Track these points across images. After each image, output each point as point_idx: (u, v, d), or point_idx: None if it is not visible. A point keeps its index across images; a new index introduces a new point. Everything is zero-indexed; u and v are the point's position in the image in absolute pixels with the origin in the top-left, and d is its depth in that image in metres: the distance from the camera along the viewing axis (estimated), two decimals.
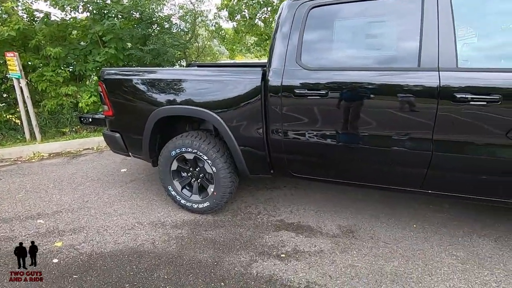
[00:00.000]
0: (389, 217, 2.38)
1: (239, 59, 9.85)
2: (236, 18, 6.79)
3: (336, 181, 2.10)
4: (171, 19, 6.96)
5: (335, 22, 1.88)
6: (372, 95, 1.76)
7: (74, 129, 5.60)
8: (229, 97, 2.12)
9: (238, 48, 8.13)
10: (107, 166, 3.83)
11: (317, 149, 2.01)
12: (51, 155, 4.43)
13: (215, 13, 7.75)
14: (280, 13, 2.04)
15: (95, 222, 2.48)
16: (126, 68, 3.00)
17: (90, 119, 2.98)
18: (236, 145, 2.19)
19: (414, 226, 2.26)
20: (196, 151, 2.32)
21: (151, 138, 2.48)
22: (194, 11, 8.17)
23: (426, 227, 2.23)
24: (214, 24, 7.81)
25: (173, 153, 2.42)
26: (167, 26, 7.19)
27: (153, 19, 6.17)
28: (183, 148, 2.36)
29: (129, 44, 6.21)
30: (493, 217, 2.30)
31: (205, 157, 2.31)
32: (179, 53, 6.69)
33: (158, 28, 6.60)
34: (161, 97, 2.33)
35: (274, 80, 1.97)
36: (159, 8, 7.22)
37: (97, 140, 4.84)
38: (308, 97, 1.89)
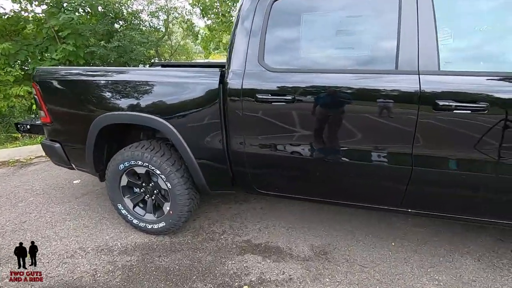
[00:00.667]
0: (366, 234, 2.17)
1: (216, 59, 9.49)
2: (209, 15, 6.46)
3: (305, 199, 1.85)
4: (140, 15, 6.52)
5: (303, 17, 1.62)
6: (343, 102, 1.52)
7: (28, 134, 5.06)
8: (183, 103, 1.82)
9: (212, 47, 7.78)
10: (58, 177, 3.39)
11: (283, 163, 1.75)
12: None
13: (186, 9, 7.36)
14: (241, 4, 1.76)
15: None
16: (63, 67, 2.61)
17: (28, 126, 2.57)
18: (193, 157, 1.89)
19: (393, 244, 2.05)
20: (147, 164, 2.00)
21: (95, 149, 2.12)
22: (166, 8, 7.75)
23: (406, 245, 2.03)
24: (185, 21, 7.43)
25: (122, 166, 2.08)
26: (136, 22, 6.74)
27: (119, 14, 5.71)
28: (133, 161, 2.03)
29: (93, 41, 5.73)
30: (473, 230, 2.14)
31: (158, 172, 1.99)
32: (148, 51, 6.27)
33: (125, 24, 6.15)
34: (104, 102, 1.99)
35: (233, 83, 1.69)
36: (128, 3, 6.77)
37: None
38: (272, 103, 1.63)
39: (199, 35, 7.60)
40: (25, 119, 5.12)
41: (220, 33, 7.96)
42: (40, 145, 4.44)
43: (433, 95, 1.38)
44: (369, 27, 1.55)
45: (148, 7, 6.93)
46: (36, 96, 2.22)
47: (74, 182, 3.24)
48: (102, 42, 5.72)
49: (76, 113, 2.11)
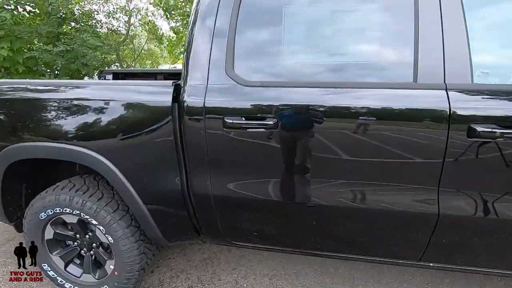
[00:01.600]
0: (366, 279, 1.77)
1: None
2: (174, 17, 5.88)
3: (298, 252, 1.41)
4: (97, 15, 5.80)
5: (285, 11, 1.18)
6: (345, 126, 1.10)
7: None
8: (124, 129, 1.31)
9: (178, 51, 7.19)
10: None
11: (265, 209, 1.30)
12: None
13: (146, 9, 6.72)
14: None
15: None
16: None
17: None
18: (140, 203, 1.38)
19: None
20: (78, 212, 1.45)
21: (4, 192, 1.54)
22: (127, 8, 7.04)
23: None
24: (148, 22, 6.78)
25: (43, 215, 1.51)
26: (92, 23, 5.99)
27: (67, 14, 4.97)
28: (58, 209, 1.48)
29: (39, 44, 4.94)
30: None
31: (95, 222, 1.45)
32: (105, 56, 5.57)
33: (77, 26, 5.41)
34: (11, 129, 1.42)
35: (192, 102, 1.21)
36: (81, 3, 6.01)
37: None
38: (248, 129, 1.17)
39: (163, 38, 6.97)
40: None
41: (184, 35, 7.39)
42: None
43: (467, 118, 1.01)
44: (375, 26, 1.15)
45: (104, 6, 6.22)
46: None
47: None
48: (49, 46, 4.95)
49: None
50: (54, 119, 1.34)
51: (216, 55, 1.21)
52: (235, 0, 1.20)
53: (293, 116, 1.13)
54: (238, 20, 1.21)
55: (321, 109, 1.09)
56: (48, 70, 4.90)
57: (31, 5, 4.77)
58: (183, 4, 5.35)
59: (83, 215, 1.46)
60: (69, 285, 1.64)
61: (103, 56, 5.56)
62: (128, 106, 1.29)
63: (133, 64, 7.75)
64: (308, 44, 1.23)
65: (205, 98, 1.19)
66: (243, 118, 1.16)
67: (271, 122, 1.13)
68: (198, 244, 2.17)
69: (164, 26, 7.18)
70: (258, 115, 1.16)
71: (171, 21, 5.92)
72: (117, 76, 3.06)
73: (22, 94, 1.41)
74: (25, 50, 4.46)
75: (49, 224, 1.56)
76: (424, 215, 1.13)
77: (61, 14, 4.85)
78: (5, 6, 4.19)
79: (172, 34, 7.04)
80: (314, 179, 1.18)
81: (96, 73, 5.80)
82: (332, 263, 1.90)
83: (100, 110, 1.32)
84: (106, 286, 1.58)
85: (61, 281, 1.64)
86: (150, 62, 8.21)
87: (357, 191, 1.17)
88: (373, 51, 1.15)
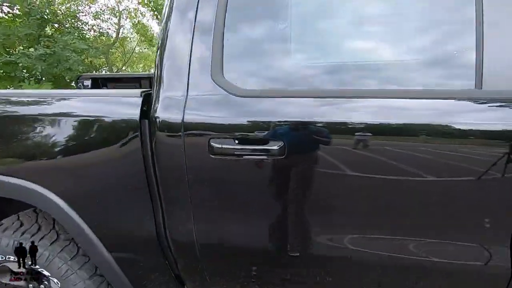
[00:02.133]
0: None
1: None
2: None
3: None
4: (81, 16, 5.46)
5: None
6: (390, 154, 0.79)
7: None
8: (80, 155, 0.99)
9: None
10: None
11: (269, 259, 0.97)
12: None
13: (136, 10, 6.39)
14: None
15: None
16: None
17: None
18: (104, 250, 1.05)
19: None
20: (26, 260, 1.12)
21: None
22: (115, 10, 6.71)
23: None
24: (137, 23, 6.44)
25: None
26: (78, 25, 5.64)
27: (49, 14, 4.62)
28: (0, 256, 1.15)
29: (21, 47, 4.59)
30: None
31: (47, 273, 1.13)
32: (89, 60, 5.22)
33: (62, 28, 5.06)
34: None
35: (166, 119, 0.89)
36: (65, 3, 5.67)
37: None
38: (241, 156, 0.85)
39: (154, 40, 6.62)
40: None
41: None
42: None
43: None
44: (421, 16, 0.83)
45: (90, 7, 5.87)
46: None
47: None
48: (31, 50, 4.60)
49: None
50: None
51: (198, 56, 0.89)
52: None
53: (307, 139, 0.81)
54: (227, 9, 0.89)
55: (350, 128, 0.78)
56: (29, 75, 4.55)
57: (10, 5, 4.42)
58: None
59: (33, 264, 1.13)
60: None
61: (89, 60, 5.21)
62: (87, 122, 0.97)
63: (123, 68, 7.41)
64: (328, 38, 0.90)
65: (183, 113, 0.87)
66: (236, 142, 0.84)
67: (275, 147, 0.81)
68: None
69: (155, 28, 6.86)
70: (258, 136, 0.84)
71: (159, 21, 5.61)
72: (96, 82, 2.72)
73: None
74: (3, 54, 4.11)
75: None
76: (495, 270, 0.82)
77: (42, 15, 4.50)
78: None
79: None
80: (338, 224, 0.86)
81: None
82: None
83: (52, 129, 0.99)
84: None
85: None
86: (142, 65, 7.86)
87: (391, 237, 0.85)
88: (415, 48, 0.83)
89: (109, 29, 6.57)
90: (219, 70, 0.88)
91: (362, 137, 0.78)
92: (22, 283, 1.25)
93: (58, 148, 0.98)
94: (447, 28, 0.81)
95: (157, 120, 0.90)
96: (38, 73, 4.27)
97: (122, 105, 0.96)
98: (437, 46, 0.81)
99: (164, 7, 1.01)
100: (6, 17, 4.34)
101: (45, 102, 1.03)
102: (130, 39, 7.58)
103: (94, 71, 5.86)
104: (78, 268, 1.13)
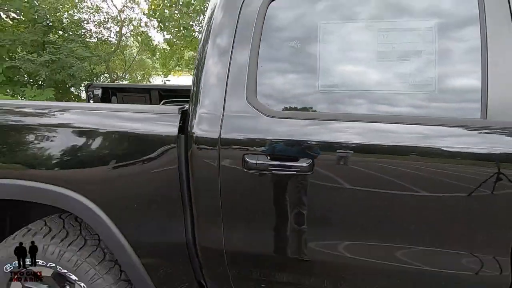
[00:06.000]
0: None
1: (176, 76, 8.65)
2: (169, 29, 5.68)
3: None
4: (85, 24, 5.54)
5: (321, 27, 0.98)
6: (405, 173, 0.89)
7: None
8: (112, 165, 1.06)
9: (173, 64, 6.98)
10: None
11: (295, 268, 1.05)
12: None
13: (141, 20, 6.51)
14: (213, 9, 1.08)
15: None
16: None
17: None
18: (133, 255, 1.11)
19: None
20: (53, 265, 1.17)
21: None
22: (118, 18, 6.82)
23: None
24: (140, 33, 6.55)
25: (8, 267, 1.22)
26: (81, 33, 5.71)
27: (55, 22, 4.68)
28: (27, 260, 1.19)
29: (23, 53, 4.62)
30: None
31: (74, 277, 1.17)
32: (94, 67, 5.28)
33: (64, 35, 5.12)
34: None
35: (203, 135, 0.98)
36: (70, 11, 5.75)
37: None
38: (273, 171, 0.94)
39: (157, 50, 6.73)
40: None
41: (182, 49, 7.20)
42: None
43: None
44: (434, 50, 0.95)
45: (94, 16, 5.97)
46: None
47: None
48: (32, 55, 4.63)
49: None
50: (33, 151, 1.08)
51: (234, 79, 0.99)
52: (257, 18, 1.00)
53: (333, 157, 0.91)
54: (261, 39, 1.00)
55: (372, 148, 0.88)
56: (31, 81, 4.57)
57: (16, 11, 4.47)
58: (179, 16, 5.17)
59: (60, 269, 1.17)
60: None
61: (92, 67, 5.27)
62: (125, 136, 1.05)
63: (123, 75, 7.47)
64: (353, 66, 1.02)
65: (220, 130, 0.96)
66: (268, 157, 0.93)
67: (304, 164, 0.91)
68: None
69: (157, 37, 6.98)
70: (289, 153, 0.93)
71: (165, 33, 5.73)
72: (106, 91, 2.80)
73: None
74: (6, 59, 4.13)
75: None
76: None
77: (47, 22, 4.57)
78: None
79: (165, 46, 6.83)
80: (356, 235, 0.95)
81: (83, 86, 5.50)
82: None
83: (90, 143, 1.06)
84: None
85: None
86: (141, 73, 7.93)
87: (412, 249, 0.94)
88: (428, 79, 0.95)
89: (112, 38, 6.66)
90: (253, 93, 0.98)
91: (374, 157, 0.89)
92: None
93: (99, 160, 1.06)
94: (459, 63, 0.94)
95: (194, 135, 0.99)
96: (42, 79, 4.30)
97: (162, 121, 1.04)
98: (447, 80, 0.93)
99: (202, 32, 1.11)
100: (11, 22, 4.39)
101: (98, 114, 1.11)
102: (130, 47, 7.68)
103: (94, 78, 5.90)
104: (105, 273, 1.18)
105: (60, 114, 1.14)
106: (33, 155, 1.09)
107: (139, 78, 8.14)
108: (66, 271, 1.17)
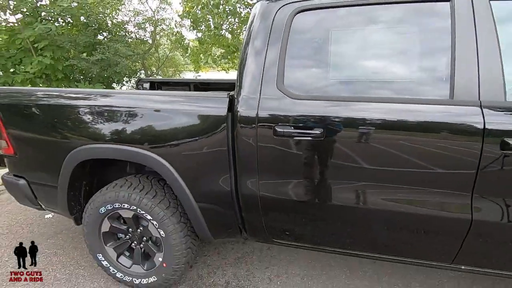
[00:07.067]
0: (394, 283, 1.86)
1: (204, 72, 9.18)
2: (200, 28, 6.18)
3: (336, 251, 1.53)
4: (126, 26, 6.16)
5: (332, 33, 1.34)
6: (384, 138, 1.23)
7: None
8: (181, 135, 1.48)
9: (203, 60, 7.50)
10: (28, 210, 2.90)
11: (309, 211, 1.42)
12: None
13: (176, 21, 7.05)
14: (253, 19, 1.46)
15: None
16: (27, 88, 2.23)
17: None
18: (193, 201, 1.53)
19: None
20: (135, 208, 1.62)
21: (70, 188, 1.73)
22: (153, 19, 7.42)
23: None
24: (175, 33, 7.11)
25: (103, 210, 1.69)
26: (122, 34, 6.36)
27: (103, 25, 5.33)
28: (117, 204, 1.65)
29: (74, 53, 5.30)
30: None
31: (149, 217, 1.62)
32: (134, 64, 5.88)
33: (109, 36, 5.76)
34: (81, 132, 1.62)
35: (245, 112, 1.37)
36: (112, 14, 6.40)
37: None
38: (295, 137, 1.32)
39: (189, 48, 7.28)
40: None
41: (210, 46, 7.69)
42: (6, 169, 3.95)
43: (501, 133, 1.11)
44: (414, 47, 1.28)
45: (135, 18, 6.59)
46: None
47: (46, 216, 2.78)
48: (83, 55, 5.30)
49: (46, 145, 1.72)
50: (126, 125, 1.53)
51: (268, 72, 1.37)
52: (285, 24, 1.37)
53: (337, 127, 1.26)
54: (287, 42, 1.37)
55: (364, 121, 1.23)
56: (82, 77, 5.23)
57: (69, 17, 5.13)
58: (210, 16, 5.63)
59: (139, 211, 1.62)
60: (120, 274, 1.80)
61: (133, 64, 5.88)
62: (188, 114, 1.46)
63: (156, 72, 8.08)
64: (352, 63, 1.37)
65: (258, 109, 1.35)
66: (292, 128, 1.31)
67: (318, 132, 1.27)
68: (234, 243, 2.31)
69: (188, 36, 7.52)
70: (306, 125, 1.30)
71: (195, 31, 6.23)
72: (153, 85, 3.29)
73: (99, 103, 1.61)
74: (64, 59, 4.80)
75: (106, 218, 1.74)
76: (458, 219, 1.23)
77: (96, 25, 5.21)
78: (49, 18, 4.57)
79: (195, 44, 7.37)
80: (355, 183, 1.30)
81: (125, 81, 6.15)
82: (361, 266, 1.99)
83: (163, 118, 1.50)
84: (154, 276, 1.74)
85: (113, 271, 1.81)
86: (172, 70, 8.55)
87: (398, 197, 1.28)
88: (410, 70, 1.28)
89: (147, 37, 7.26)
90: (281, 81, 1.35)
91: (367, 129, 1.23)
92: (124, 227, 1.76)
93: (174, 134, 1.47)
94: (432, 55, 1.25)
95: (238, 113, 1.38)
96: (93, 76, 4.95)
97: (215, 103, 1.44)
98: (424, 69, 1.25)
99: (244, 36, 1.50)
100: (67, 26, 5.05)
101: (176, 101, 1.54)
102: (163, 45, 8.29)
103: (133, 74, 6.53)
104: (171, 215, 1.62)
105: (144, 98, 1.58)
106: (134, 129, 1.53)
107: (170, 74, 8.74)
108: (144, 212, 1.62)
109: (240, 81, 1.42)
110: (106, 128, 1.57)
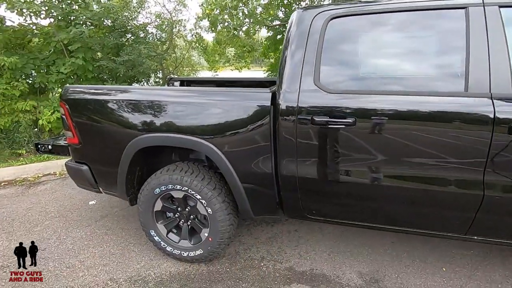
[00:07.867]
0: (412, 258, 2.07)
1: (219, 71, 9.47)
2: (217, 29, 6.45)
3: (365, 225, 1.75)
4: (148, 28, 6.47)
5: (361, 37, 1.56)
6: (409, 125, 1.45)
7: (33, 151, 4.86)
8: (230, 124, 1.72)
9: (220, 60, 7.76)
10: (72, 198, 3.22)
11: (340, 189, 1.65)
12: (2, 184, 3.72)
13: (194, 23, 7.34)
14: (291, 24, 1.70)
15: (53, 283, 1.92)
16: (94, 85, 2.51)
17: (49, 147, 2.43)
18: (239, 182, 1.78)
19: (444, 269, 1.96)
20: (187, 188, 1.88)
21: (128, 172, 2.00)
22: (171, 20, 7.72)
23: (458, 271, 1.94)
24: (194, 34, 7.40)
25: (157, 191, 1.96)
26: (142, 35, 6.68)
27: (127, 27, 5.65)
28: (170, 185, 1.91)
29: (100, 54, 5.64)
30: None
31: (199, 197, 1.87)
32: (155, 64, 6.19)
33: (132, 38, 6.08)
34: (142, 123, 1.88)
35: (286, 104, 1.61)
36: (133, 16, 6.72)
37: (61, 164, 4.18)
38: (329, 125, 1.55)
39: (208, 49, 7.58)
40: (41, 138, 4.92)
41: (225, 46, 7.96)
42: (47, 162, 4.29)
43: (509, 120, 1.32)
44: (434, 47, 1.50)
45: (156, 20, 6.91)
46: (63, 116, 2.10)
47: (90, 203, 3.08)
48: (110, 56, 5.62)
49: (109, 135, 2.00)
50: (181, 117, 1.79)
51: (306, 69, 1.60)
52: (321, 29, 1.60)
53: (366, 116, 1.49)
54: (323, 44, 1.60)
55: (391, 112, 1.45)
56: (109, 77, 5.56)
57: (97, 20, 5.45)
58: (227, 18, 5.90)
59: (190, 191, 1.88)
60: (170, 248, 2.07)
61: (154, 64, 6.18)
62: (237, 106, 1.71)
63: (173, 72, 8.39)
64: (379, 62, 1.60)
65: (298, 101, 1.58)
66: (328, 117, 1.54)
67: (350, 120, 1.50)
68: (264, 225, 2.56)
69: (204, 37, 7.84)
70: (339, 115, 1.53)
71: (214, 33, 6.51)
72: (182, 83, 3.57)
73: (155, 98, 1.87)
74: (94, 60, 5.13)
75: (159, 199, 2.00)
76: (473, 194, 1.45)
77: (123, 28, 5.53)
78: (80, 22, 4.90)
79: (212, 45, 7.69)
80: (383, 164, 1.53)
81: (152, 79, 6.49)
82: (382, 244, 2.21)
83: (214, 110, 1.75)
84: (201, 249, 1.99)
85: (163, 245, 2.07)
86: (188, 69, 8.86)
87: (417, 175, 1.50)
88: (430, 67, 1.50)
89: (165, 38, 7.57)
90: (318, 78, 1.58)
91: (393, 118, 1.45)
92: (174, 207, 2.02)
93: (224, 124, 1.71)
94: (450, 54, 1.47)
95: (280, 106, 1.62)
96: (119, 75, 5.26)
97: (261, 97, 1.68)
98: (442, 66, 1.47)
99: (285, 39, 1.73)
100: (95, 29, 5.38)
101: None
102: (179, 46, 8.60)
103: (153, 74, 6.85)
104: (217, 195, 1.87)
105: (198, 93, 1.84)
106: (189, 120, 1.77)
107: (186, 74, 9.05)
108: (194, 192, 1.87)
109: (281, 79, 1.66)
110: (166, 119, 1.83)
